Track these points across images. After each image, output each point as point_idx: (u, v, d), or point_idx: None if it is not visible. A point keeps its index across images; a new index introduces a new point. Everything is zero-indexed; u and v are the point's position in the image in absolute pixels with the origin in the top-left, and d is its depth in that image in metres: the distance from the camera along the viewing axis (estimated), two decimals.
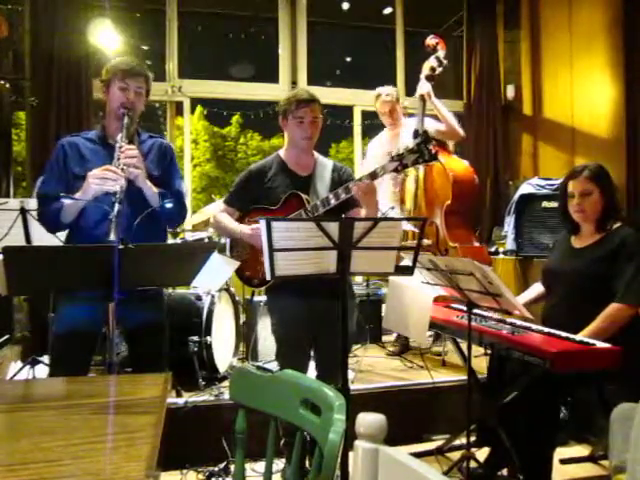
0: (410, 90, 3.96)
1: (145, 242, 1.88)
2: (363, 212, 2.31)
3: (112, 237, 1.84)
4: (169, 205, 2.16)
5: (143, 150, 2.24)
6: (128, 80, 2.18)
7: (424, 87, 3.67)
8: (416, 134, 2.13)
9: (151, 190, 2.14)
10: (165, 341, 2.27)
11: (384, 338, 4.14)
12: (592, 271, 2.30)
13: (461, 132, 3.77)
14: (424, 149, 2.15)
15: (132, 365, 2.32)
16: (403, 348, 3.83)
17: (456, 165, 3.75)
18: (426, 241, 3.60)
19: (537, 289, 2.61)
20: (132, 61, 2.23)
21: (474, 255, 3.32)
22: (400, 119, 3.83)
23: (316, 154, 2.50)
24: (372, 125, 5.63)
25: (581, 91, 4.77)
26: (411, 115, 3.81)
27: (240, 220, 2.45)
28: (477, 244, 3.88)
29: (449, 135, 3.74)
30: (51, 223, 2.20)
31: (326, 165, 2.48)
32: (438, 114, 3.74)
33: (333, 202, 2.26)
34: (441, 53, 3.66)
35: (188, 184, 4.56)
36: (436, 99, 3.70)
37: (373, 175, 2.21)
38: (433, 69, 3.66)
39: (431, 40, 3.70)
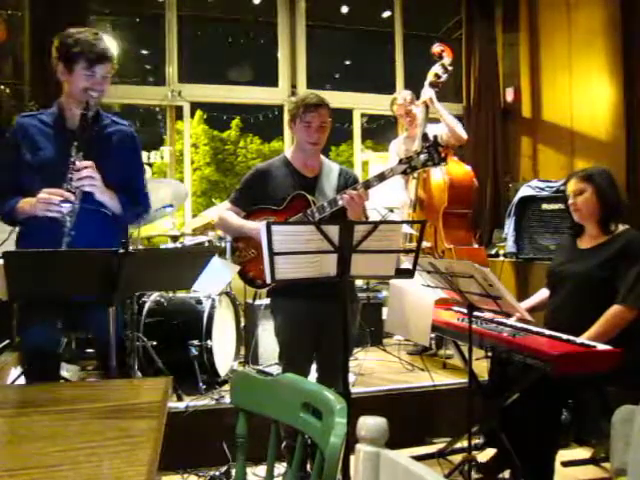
0: None
1: (102, 243, 1.78)
2: None
3: None
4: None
5: (104, 136, 2.10)
6: (95, 67, 1.99)
7: (427, 93, 3.71)
8: (425, 138, 2.18)
9: (111, 200, 2.02)
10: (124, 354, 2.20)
11: (385, 341, 4.14)
12: (596, 273, 2.30)
13: (465, 136, 3.79)
14: (433, 153, 2.18)
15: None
16: (424, 347, 3.82)
17: (454, 169, 3.75)
18: (425, 243, 3.61)
19: (543, 294, 2.60)
20: (96, 39, 1.98)
21: (469, 256, 3.32)
22: (417, 120, 3.83)
23: (322, 157, 2.50)
24: (372, 129, 5.64)
25: (580, 93, 4.77)
26: (433, 121, 3.83)
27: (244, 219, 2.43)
28: (476, 246, 3.88)
29: (453, 139, 3.75)
30: (6, 220, 2.08)
31: (332, 168, 2.47)
32: (441, 119, 3.76)
33: (340, 203, 2.26)
34: (447, 60, 3.70)
35: (188, 188, 4.55)
36: (439, 104, 3.72)
37: (381, 176, 2.24)
38: (438, 76, 3.70)
39: (437, 48, 3.74)
